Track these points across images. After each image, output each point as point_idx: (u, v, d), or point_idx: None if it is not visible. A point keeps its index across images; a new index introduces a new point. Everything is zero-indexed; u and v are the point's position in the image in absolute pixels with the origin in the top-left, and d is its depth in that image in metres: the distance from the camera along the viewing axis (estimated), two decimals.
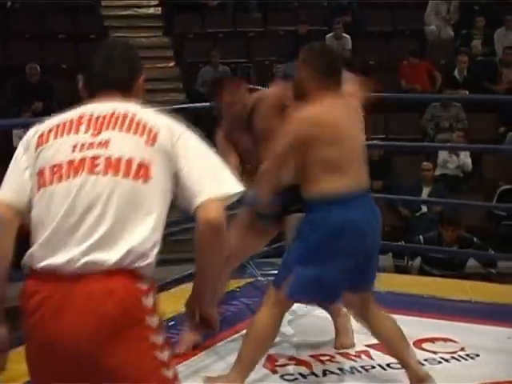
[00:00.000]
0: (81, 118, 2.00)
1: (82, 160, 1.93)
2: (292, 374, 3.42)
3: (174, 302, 4.18)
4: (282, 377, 3.38)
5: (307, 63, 3.10)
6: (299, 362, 3.53)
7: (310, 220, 3.06)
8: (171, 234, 4.83)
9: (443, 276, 5.76)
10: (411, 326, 3.64)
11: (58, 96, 9.21)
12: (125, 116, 1.98)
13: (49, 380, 1.92)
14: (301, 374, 3.42)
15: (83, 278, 1.85)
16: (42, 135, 2.00)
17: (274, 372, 3.40)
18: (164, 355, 1.93)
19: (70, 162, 1.93)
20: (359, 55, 10.48)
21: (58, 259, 1.88)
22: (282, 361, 3.52)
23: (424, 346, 3.70)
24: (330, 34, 10.52)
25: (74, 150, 1.94)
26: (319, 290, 3.08)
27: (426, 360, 3.55)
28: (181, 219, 4.06)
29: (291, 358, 3.56)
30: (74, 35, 10.54)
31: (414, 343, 3.65)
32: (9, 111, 8.76)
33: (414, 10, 11.34)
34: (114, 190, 1.90)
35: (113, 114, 1.99)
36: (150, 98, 9.92)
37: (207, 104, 4.45)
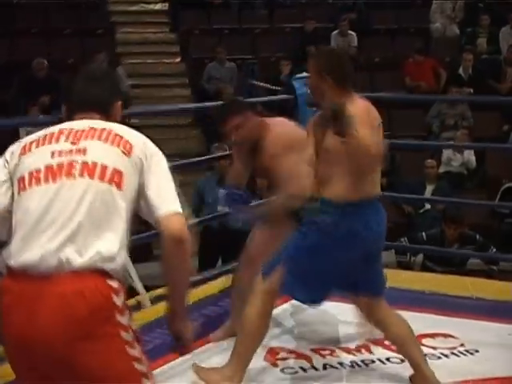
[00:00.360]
0: (61, 131, 2.10)
1: (60, 165, 2.01)
2: (292, 368, 3.43)
3: None
4: (282, 370, 3.39)
5: (323, 71, 3.05)
6: (300, 356, 3.54)
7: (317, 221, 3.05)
8: None
9: (445, 272, 5.76)
10: (412, 322, 3.61)
11: (64, 90, 9.24)
12: (102, 129, 2.08)
13: (28, 378, 1.98)
14: (301, 368, 3.43)
15: (54, 277, 1.90)
16: (24, 146, 2.10)
17: (275, 365, 3.41)
18: (135, 351, 1.99)
19: (49, 167, 2.02)
20: (365, 52, 10.48)
21: (30, 257, 1.93)
22: (282, 354, 3.53)
23: (424, 341, 3.70)
24: (336, 31, 10.51)
25: (52, 157, 2.03)
26: (303, 288, 3.07)
27: (425, 355, 3.54)
28: None
29: (292, 352, 3.57)
30: (81, 31, 10.56)
31: None
32: (16, 106, 8.79)
33: (420, 8, 11.33)
34: (87, 191, 1.98)
35: (91, 128, 2.09)
36: (156, 93, 9.99)
37: (212, 103, 4.46)
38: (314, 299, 3.21)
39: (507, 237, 7.55)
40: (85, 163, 2.01)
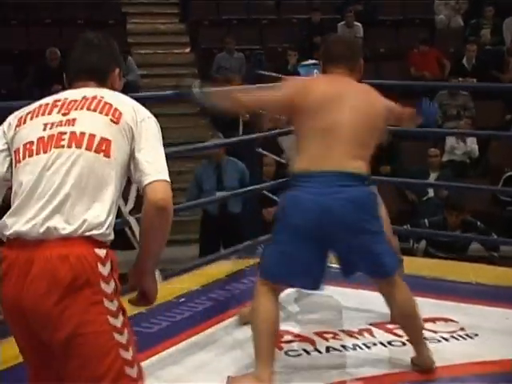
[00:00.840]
0: (55, 101, 2.13)
1: (51, 137, 2.05)
2: (296, 350, 3.45)
3: (186, 281, 4.28)
4: (286, 353, 3.41)
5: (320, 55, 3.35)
6: (304, 339, 3.56)
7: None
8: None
9: (447, 258, 5.78)
10: None
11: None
12: (93, 98, 2.11)
13: (22, 339, 2.04)
14: (305, 350, 3.45)
15: (43, 243, 1.96)
16: (21, 118, 2.13)
17: (280, 348, 3.43)
18: (117, 321, 1.99)
19: (40, 139, 2.05)
20: (370, 43, 10.45)
21: (23, 225, 1.98)
22: (287, 337, 3.55)
23: (425, 325, 3.70)
24: (342, 23, 10.49)
25: (44, 129, 2.07)
26: (283, 267, 3.02)
27: (426, 339, 3.57)
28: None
29: (296, 335, 3.59)
30: (93, 21, 10.55)
31: None
32: (31, 94, 8.81)
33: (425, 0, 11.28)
34: (76, 161, 2.01)
35: (83, 97, 2.11)
36: (165, 83, 9.99)
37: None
38: (303, 278, 3.08)
39: (509, 224, 7.55)
40: (73, 133, 2.04)
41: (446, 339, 3.60)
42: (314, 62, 4.62)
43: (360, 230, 2.99)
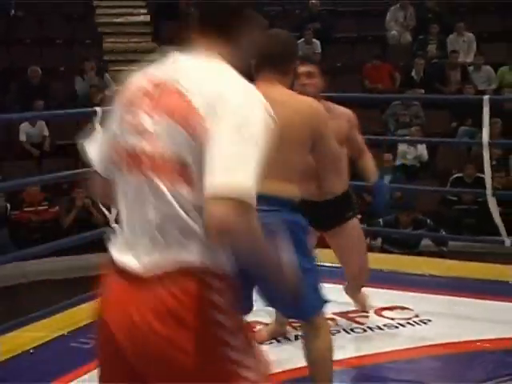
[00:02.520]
0: (156, 87, 1.65)
1: (135, 156, 1.62)
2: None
3: None
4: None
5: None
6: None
7: None
8: None
9: (401, 254, 5.89)
10: (373, 297, 3.76)
11: (56, 95, 9.23)
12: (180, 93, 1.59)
13: (113, 370, 1.66)
14: (275, 339, 3.50)
15: (151, 277, 1.57)
16: (121, 115, 1.69)
17: (253, 338, 3.47)
18: (239, 355, 1.59)
19: (129, 154, 1.64)
20: (328, 58, 10.55)
21: (125, 259, 1.62)
22: (258, 327, 3.59)
23: (383, 313, 3.81)
24: (302, 40, 10.58)
25: (131, 134, 1.64)
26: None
27: (385, 325, 3.66)
28: None
29: (266, 325, 3.63)
30: (71, 40, 10.53)
31: (375, 311, 3.79)
32: (12, 110, 8.76)
33: (377, 17, 11.41)
34: (160, 189, 1.58)
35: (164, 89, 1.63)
36: None
37: None
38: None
39: (455, 221, 7.70)
40: (153, 155, 1.59)
41: (403, 325, 3.69)
42: None
43: None
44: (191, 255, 1.57)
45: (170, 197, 1.57)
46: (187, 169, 1.55)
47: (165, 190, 1.57)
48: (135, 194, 1.62)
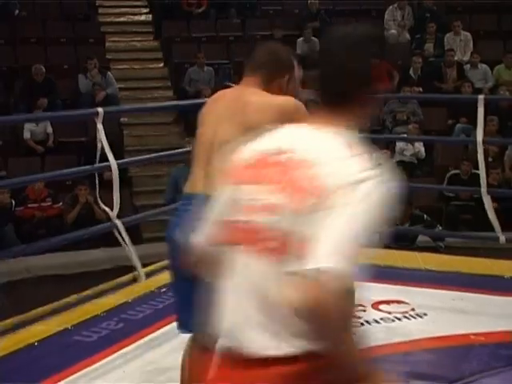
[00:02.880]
0: (270, 157, 1.48)
1: (245, 232, 1.48)
2: None
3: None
4: None
5: None
6: None
7: None
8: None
9: (398, 248, 5.90)
10: (370, 291, 3.75)
11: (60, 93, 9.25)
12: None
13: None
14: None
15: (248, 363, 1.47)
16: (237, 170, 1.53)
17: None
18: None
19: (238, 229, 1.50)
20: None
21: (231, 342, 1.50)
22: None
23: (380, 307, 3.83)
24: (301, 38, 10.60)
25: (241, 211, 1.49)
26: None
27: (381, 319, 3.68)
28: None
29: None
30: (75, 40, 10.54)
31: (372, 305, 3.80)
32: (17, 107, 8.78)
33: (376, 17, 11.42)
34: (270, 275, 1.45)
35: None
36: (142, 95, 10.02)
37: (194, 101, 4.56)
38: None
39: (452, 217, 7.72)
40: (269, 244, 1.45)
41: (399, 319, 3.71)
42: None
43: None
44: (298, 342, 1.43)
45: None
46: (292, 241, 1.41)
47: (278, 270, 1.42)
48: (245, 273, 1.48)
